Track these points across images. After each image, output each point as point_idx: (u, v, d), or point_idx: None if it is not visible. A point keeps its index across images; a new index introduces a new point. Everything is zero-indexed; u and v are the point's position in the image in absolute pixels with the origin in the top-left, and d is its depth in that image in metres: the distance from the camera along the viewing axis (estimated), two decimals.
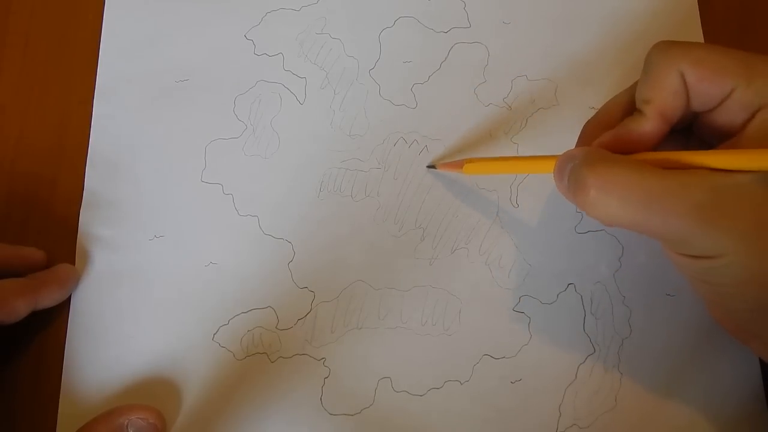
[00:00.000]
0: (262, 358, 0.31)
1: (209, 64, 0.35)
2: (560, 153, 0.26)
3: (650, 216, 0.23)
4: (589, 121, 0.28)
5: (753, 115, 0.24)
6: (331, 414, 0.30)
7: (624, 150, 0.25)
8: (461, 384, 0.31)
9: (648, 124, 0.25)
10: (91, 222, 0.33)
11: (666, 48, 0.25)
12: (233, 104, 0.34)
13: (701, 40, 0.34)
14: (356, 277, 0.32)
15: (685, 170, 0.23)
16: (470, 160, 0.30)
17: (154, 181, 0.34)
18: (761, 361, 0.30)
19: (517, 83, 0.34)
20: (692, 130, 0.27)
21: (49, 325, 0.32)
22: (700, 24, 0.35)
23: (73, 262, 0.32)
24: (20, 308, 0.29)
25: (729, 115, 0.25)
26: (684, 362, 0.31)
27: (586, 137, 0.28)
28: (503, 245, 0.32)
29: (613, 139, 0.25)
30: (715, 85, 0.24)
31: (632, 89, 0.27)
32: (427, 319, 0.32)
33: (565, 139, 0.32)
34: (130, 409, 0.29)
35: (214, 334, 0.31)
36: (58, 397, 0.31)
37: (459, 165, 0.31)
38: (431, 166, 0.33)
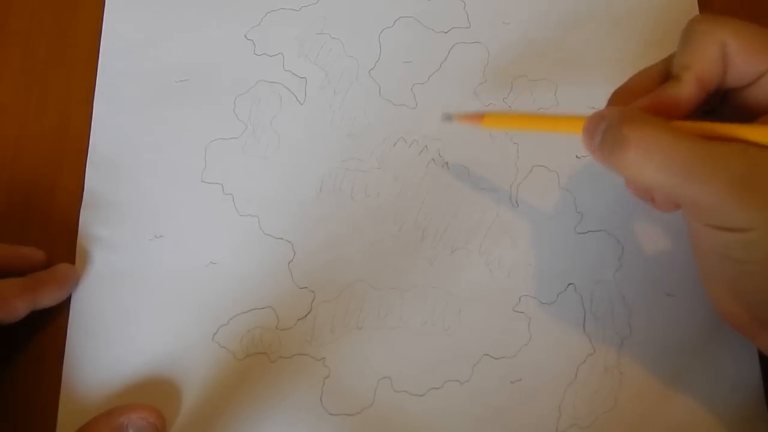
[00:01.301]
0: (262, 358, 0.31)
1: (209, 64, 0.35)
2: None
3: (687, 182, 0.23)
4: (618, 89, 0.28)
5: None
6: (331, 414, 0.30)
7: (659, 115, 0.25)
8: (461, 384, 0.31)
9: (686, 90, 0.25)
10: (91, 222, 0.33)
11: (709, 19, 0.26)
12: (233, 104, 0.34)
13: None
14: (356, 277, 0.32)
15: (723, 141, 0.23)
16: (491, 113, 0.30)
17: (154, 181, 0.34)
18: (761, 361, 0.30)
19: (517, 83, 0.34)
20: (716, 111, 0.28)
21: (49, 325, 0.32)
22: None
23: (73, 262, 0.32)
24: (20, 308, 0.29)
25: (761, 93, 0.25)
26: (684, 362, 0.31)
27: (615, 103, 0.28)
28: (503, 245, 0.32)
29: (650, 104, 0.25)
30: (753, 59, 0.25)
31: (666, 61, 0.27)
32: (427, 318, 0.32)
33: (565, 138, 0.32)
34: (130, 409, 0.29)
35: (214, 334, 0.31)
36: (58, 397, 0.31)
37: (479, 117, 0.30)
38: (448, 118, 0.31)
